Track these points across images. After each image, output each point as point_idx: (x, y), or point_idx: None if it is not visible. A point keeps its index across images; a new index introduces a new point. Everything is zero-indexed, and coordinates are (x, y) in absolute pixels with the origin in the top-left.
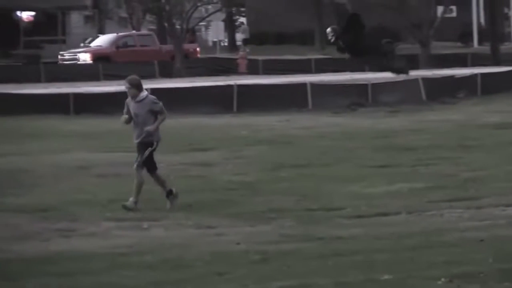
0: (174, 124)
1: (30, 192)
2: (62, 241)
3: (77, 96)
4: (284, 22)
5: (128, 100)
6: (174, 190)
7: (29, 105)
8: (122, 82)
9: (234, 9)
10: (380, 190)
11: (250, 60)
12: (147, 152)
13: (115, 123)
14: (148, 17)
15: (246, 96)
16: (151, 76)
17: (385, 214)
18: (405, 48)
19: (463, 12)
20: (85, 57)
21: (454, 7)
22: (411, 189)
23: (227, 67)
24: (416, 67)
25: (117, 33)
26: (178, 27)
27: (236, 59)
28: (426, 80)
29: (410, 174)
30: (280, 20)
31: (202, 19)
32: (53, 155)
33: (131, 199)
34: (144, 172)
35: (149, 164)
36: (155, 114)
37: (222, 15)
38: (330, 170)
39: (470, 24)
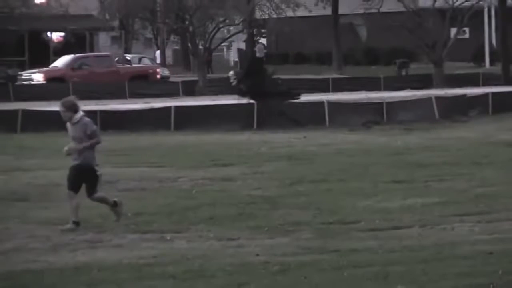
0: (196, 140)
1: (59, 205)
2: (90, 252)
3: (103, 113)
4: (303, 43)
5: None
6: (116, 200)
7: (58, 122)
8: (147, 100)
9: (255, 30)
10: (394, 205)
11: None
12: (98, 181)
13: (139, 140)
14: (173, 37)
15: (266, 114)
16: (175, 94)
17: (399, 228)
18: (419, 68)
19: (475, 34)
20: (38, 78)
21: (467, 29)
22: (424, 204)
23: None
24: (430, 86)
25: (75, 55)
26: (201, 47)
27: None
28: (439, 99)
29: (423, 190)
30: (299, 41)
31: (224, 39)
32: None
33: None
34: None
35: (75, 185)
36: (89, 136)
37: (243, 36)
38: (346, 185)
39: (483, 45)
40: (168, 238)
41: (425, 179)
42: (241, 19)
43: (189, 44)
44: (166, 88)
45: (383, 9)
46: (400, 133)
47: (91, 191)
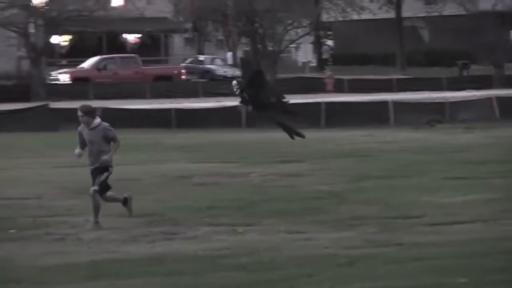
0: (266, 137)
1: (138, 198)
2: (166, 243)
3: (178, 111)
4: (368, 45)
5: (81, 128)
6: (127, 195)
7: (135, 119)
8: (219, 98)
9: (322, 32)
10: (456, 200)
11: (336, 79)
12: (103, 177)
13: (212, 137)
14: (243, 39)
15: (333, 112)
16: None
17: (460, 223)
18: (479, 69)
19: None
20: (64, 78)
21: None
22: (486, 199)
23: (315, 86)
24: (490, 87)
25: (101, 56)
26: (270, 48)
27: (324, 78)
28: (499, 99)
29: (485, 186)
30: (364, 42)
31: (293, 41)
32: (157, 165)
33: (91, 219)
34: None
35: (103, 188)
36: (108, 140)
37: (310, 38)
38: (409, 181)
39: None
40: (240, 230)
41: (486, 176)
42: (309, 22)
43: (259, 46)
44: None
45: (444, 12)
46: (462, 131)
47: (95, 183)
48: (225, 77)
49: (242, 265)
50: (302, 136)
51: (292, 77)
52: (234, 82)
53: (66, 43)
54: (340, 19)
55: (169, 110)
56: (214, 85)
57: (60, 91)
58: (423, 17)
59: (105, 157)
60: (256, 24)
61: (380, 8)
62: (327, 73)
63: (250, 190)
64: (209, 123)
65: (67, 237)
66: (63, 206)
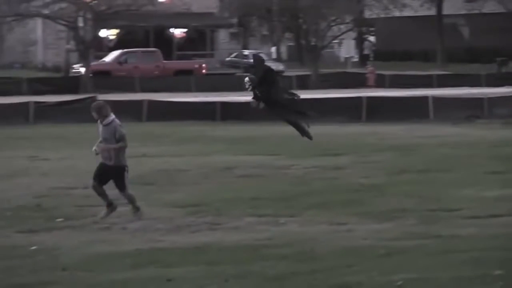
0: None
1: (183, 189)
2: (209, 233)
3: (224, 104)
4: (409, 41)
5: (98, 124)
6: (114, 203)
7: (181, 112)
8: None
9: (364, 28)
10: (494, 194)
11: (378, 74)
12: (124, 180)
13: (257, 130)
14: (287, 34)
15: (374, 107)
16: (289, 88)
17: (498, 216)
18: None
19: None
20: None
21: None
22: None
23: (357, 81)
24: None
25: (122, 50)
26: (313, 44)
27: (365, 73)
28: None
29: None
30: (405, 39)
31: (335, 37)
32: (202, 157)
33: (132, 210)
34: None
35: (102, 180)
36: (118, 139)
37: (353, 34)
38: (448, 175)
39: None
40: (282, 221)
41: None
42: (351, 18)
43: (303, 41)
44: (281, 82)
45: (484, 10)
46: (500, 127)
47: (121, 187)
48: None
49: (283, 255)
50: (310, 138)
51: (334, 72)
52: (246, 79)
53: (114, 37)
54: (382, 16)
55: (214, 103)
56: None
57: (108, 84)
58: (463, 15)
59: (103, 146)
60: (300, 20)
61: (421, 6)
62: (369, 68)
63: (292, 182)
64: (253, 117)
65: (113, 226)
66: (109, 196)
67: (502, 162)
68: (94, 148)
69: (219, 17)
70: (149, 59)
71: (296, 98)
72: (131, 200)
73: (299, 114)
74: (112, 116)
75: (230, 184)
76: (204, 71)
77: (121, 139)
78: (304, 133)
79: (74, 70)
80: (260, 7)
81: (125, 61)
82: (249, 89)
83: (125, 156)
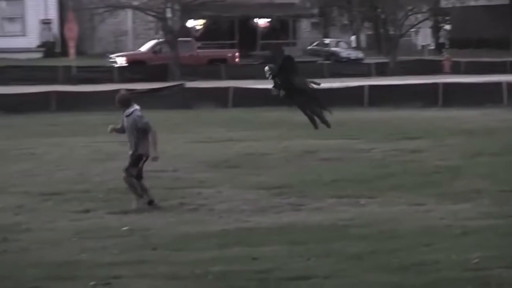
0: (388, 116)
1: (267, 172)
2: (293, 214)
3: None
4: (484, 29)
5: (123, 114)
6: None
7: (264, 98)
8: (343, 79)
9: (440, 17)
10: None
11: (453, 61)
12: (138, 165)
13: (337, 115)
14: (366, 24)
15: (450, 92)
16: (369, 74)
17: None
18: None
19: None
20: (121, 61)
21: None
22: None
23: (433, 68)
24: None
25: (157, 40)
26: (391, 33)
27: (441, 60)
28: None
29: None
30: (480, 27)
31: (413, 26)
32: (285, 141)
33: (141, 199)
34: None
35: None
36: (141, 130)
37: (429, 23)
38: None
39: None
40: (362, 202)
41: None
42: (428, 8)
43: (381, 30)
44: (360, 69)
45: None
46: None
47: (127, 170)
48: (349, 59)
49: (363, 235)
50: (328, 126)
51: (412, 59)
52: (266, 68)
53: (200, 27)
54: (458, 5)
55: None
56: (339, 66)
57: (195, 71)
58: None
59: (154, 156)
60: (379, 10)
61: None
62: (445, 56)
63: (372, 165)
64: (333, 102)
65: (200, 208)
66: (197, 179)
67: None
68: (110, 127)
69: (301, 7)
70: (183, 48)
71: (316, 85)
72: (131, 188)
73: (317, 104)
74: (133, 108)
75: (312, 167)
76: (237, 60)
77: (146, 128)
78: (316, 127)
79: (110, 60)
80: None
81: (160, 51)
82: (269, 77)
83: (146, 146)
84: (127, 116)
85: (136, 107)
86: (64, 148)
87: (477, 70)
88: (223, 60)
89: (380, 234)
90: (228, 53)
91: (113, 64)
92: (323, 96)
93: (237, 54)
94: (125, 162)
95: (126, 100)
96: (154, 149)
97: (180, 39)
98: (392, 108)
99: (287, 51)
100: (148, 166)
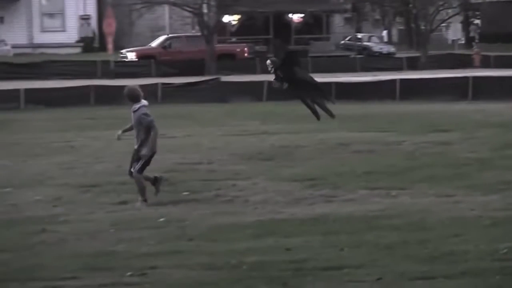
0: (419, 109)
1: (301, 164)
2: (326, 205)
3: (338, 85)
4: None
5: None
6: (157, 176)
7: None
8: (375, 73)
9: (470, 12)
10: None
11: (483, 55)
12: (139, 165)
13: (368, 108)
14: (398, 19)
15: (480, 86)
16: (400, 68)
17: None
18: None
19: None
20: (131, 56)
21: None
22: None
23: (463, 62)
24: None
25: (167, 35)
26: (422, 27)
27: (471, 54)
28: None
29: None
30: (509, 21)
31: (443, 21)
32: (318, 134)
33: (139, 199)
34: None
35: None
36: (145, 127)
37: (460, 18)
38: None
39: None
40: (393, 194)
41: None
42: (458, 3)
43: (412, 25)
44: (392, 63)
45: None
46: None
47: (140, 169)
48: (381, 53)
49: (394, 226)
50: (332, 116)
51: (442, 54)
52: (268, 61)
53: (236, 22)
54: (487, 0)
55: (329, 83)
56: (371, 60)
57: (232, 66)
58: None
59: (143, 153)
60: (410, 5)
61: None
62: (475, 50)
63: (403, 157)
64: (365, 96)
65: (235, 199)
66: (232, 171)
67: None
68: (118, 133)
69: (334, 3)
70: (193, 44)
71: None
72: (140, 190)
73: (319, 95)
74: (140, 104)
75: (345, 159)
76: (246, 54)
77: (150, 126)
78: (318, 118)
79: (121, 55)
80: None
81: (169, 46)
82: (272, 71)
83: (151, 144)
84: (134, 111)
85: (144, 102)
86: (102, 141)
87: (506, 64)
88: (232, 55)
89: (411, 225)
90: (237, 48)
91: (124, 59)
92: (356, 89)
93: (245, 49)
94: (132, 159)
95: (134, 95)
96: (150, 146)
97: (189, 34)
98: (423, 101)
99: (321, 45)
100: (184, 159)
